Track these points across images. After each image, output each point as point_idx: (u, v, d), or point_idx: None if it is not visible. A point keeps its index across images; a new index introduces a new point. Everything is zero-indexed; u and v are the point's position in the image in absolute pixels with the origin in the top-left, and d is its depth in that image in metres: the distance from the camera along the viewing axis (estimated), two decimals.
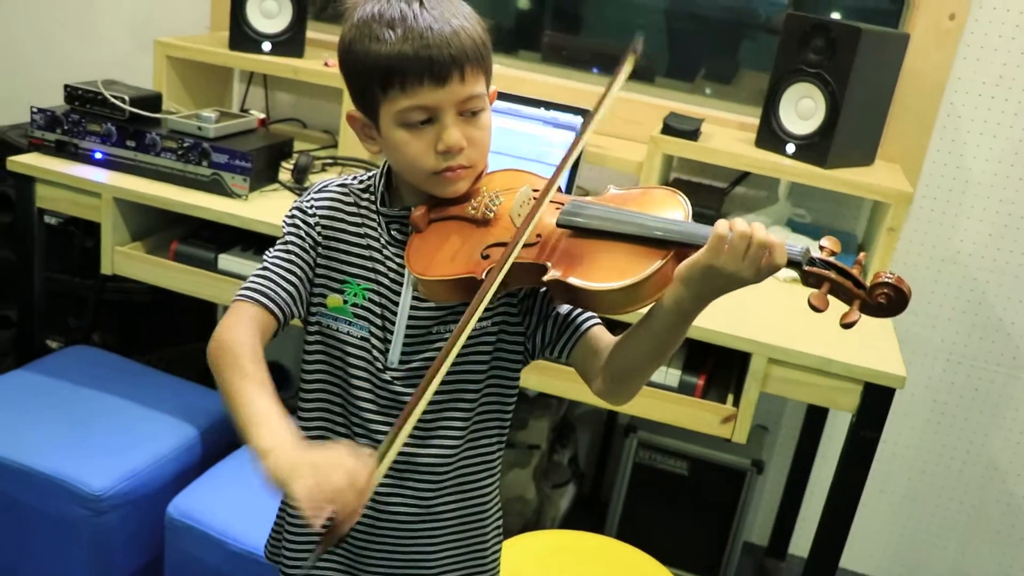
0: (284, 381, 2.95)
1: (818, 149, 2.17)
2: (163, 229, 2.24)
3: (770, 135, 2.24)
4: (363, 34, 1.16)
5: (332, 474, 0.96)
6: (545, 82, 2.66)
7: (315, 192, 1.30)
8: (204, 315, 2.91)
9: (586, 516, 2.72)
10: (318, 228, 1.26)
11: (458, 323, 1.14)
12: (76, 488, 1.90)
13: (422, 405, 1.07)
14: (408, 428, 1.06)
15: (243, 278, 2.03)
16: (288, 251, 1.25)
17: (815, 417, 2.60)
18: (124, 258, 2.15)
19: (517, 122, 2.28)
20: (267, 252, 1.26)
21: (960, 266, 2.47)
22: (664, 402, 1.90)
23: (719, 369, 2.02)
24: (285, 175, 2.25)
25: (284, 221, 1.28)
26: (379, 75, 1.15)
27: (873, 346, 1.84)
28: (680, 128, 2.25)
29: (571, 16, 3.04)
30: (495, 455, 1.35)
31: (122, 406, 2.15)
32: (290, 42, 2.46)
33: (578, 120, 2.28)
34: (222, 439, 2.21)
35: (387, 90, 1.15)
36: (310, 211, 1.27)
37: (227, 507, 1.91)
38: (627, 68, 1.28)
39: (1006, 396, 2.53)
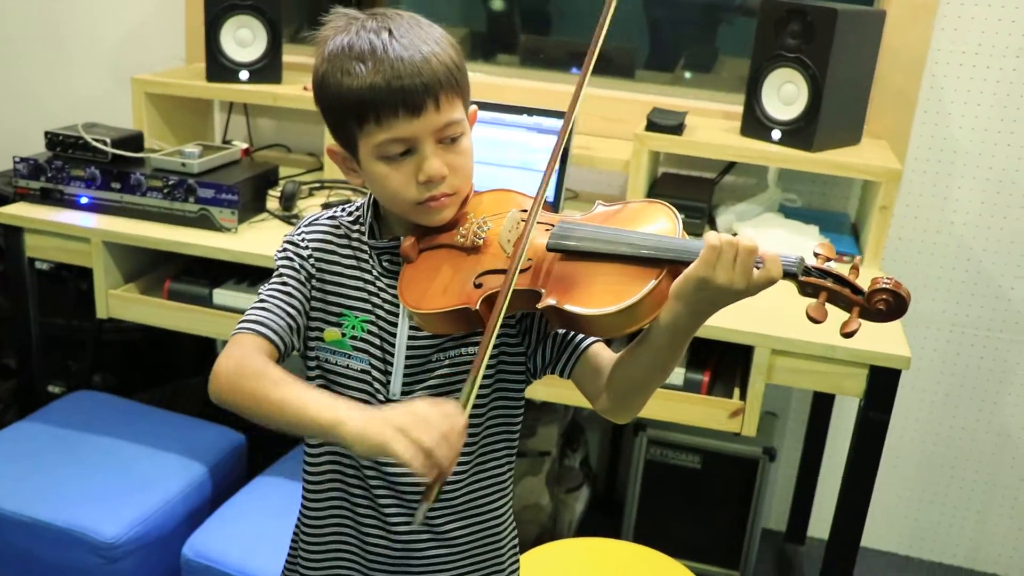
0: None
1: (804, 133, 2.16)
2: (155, 268, 2.23)
3: (755, 123, 2.24)
4: (335, 68, 1.15)
5: (427, 425, 0.98)
6: (525, 86, 2.66)
7: (305, 225, 1.29)
8: (203, 348, 2.90)
9: (602, 517, 2.71)
10: (311, 260, 1.25)
11: (457, 350, 1.14)
12: (89, 537, 1.90)
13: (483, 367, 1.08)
14: (480, 377, 1.07)
15: (240, 312, 2.04)
16: (284, 283, 1.23)
17: (823, 400, 2.59)
18: (119, 301, 2.14)
19: (501, 131, 2.27)
20: (262, 287, 1.25)
21: (955, 237, 2.47)
22: (671, 401, 1.90)
23: (723, 364, 2.01)
24: (273, 203, 2.24)
25: (276, 255, 1.27)
26: (353, 110, 1.14)
27: (876, 329, 1.81)
28: (664, 123, 2.24)
29: (544, 16, 3.03)
30: (505, 475, 1.34)
31: (128, 449, 2.15)
32: (267, 69, 2.45)
33: (560, 123, 2.27)
34: (232, 474, 2.20)
35: (363, 124, 1.14)
36: (302, 243, 1.26)
37: (243, 543, 1.90)
38: (610, 12, 1.24)
39: (1011, 362, 2.53)
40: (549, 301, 1.10)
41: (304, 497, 1.34)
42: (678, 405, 1.90)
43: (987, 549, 2.70)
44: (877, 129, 2.38)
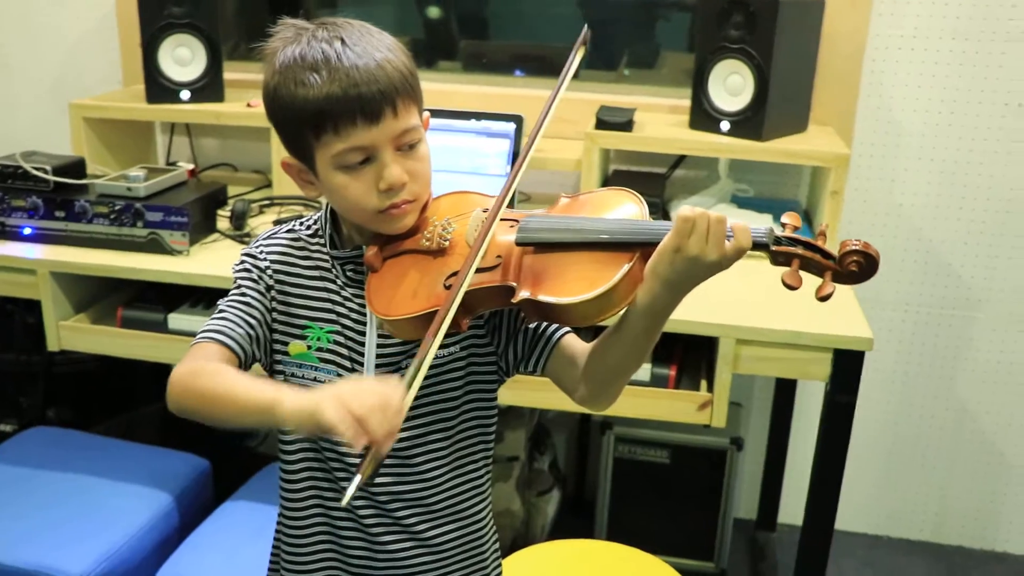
0: (251, 430, 2.89)
1: (752, 123, 2.18)
2: (106, 296, 2.18)
3: (703, 115, 2.25)
4: (287, 79, 1.14)
5: (361, 396, 0.96)
6: (471, 91, 2.65)
7: (263, 239, 1.28)
8: (159, 375, 2.82)
9: (574, 519, 2.71)
10: (269, 272, 1.24)
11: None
12: None
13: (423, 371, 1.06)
14: (427, 365, 1.05)
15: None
16: (243, 295, 1.22)
17: (786, 386, 2.62)
18: (70, 332, 2.08)
19: (450, 137, 2.25)
20: (220, 301, 1.24)
21: (905, 218, 2.50)
22: (638, 398, 1.90)
23: (688, 357, 2.01)
24: (223, 223, 2.20)
25: (234, 269, 1.26)
26: (310, 120, 1.13)
27: (837, 313, 1.85)
28: (613, 121, 2.25)
29: (481, 20, 3.02)
30: (483, 477, 1.33)
31: (90, 483, 2.09)
32: (208, 87, 2.41)
33: (510, 126, 2.27)
34: (198, 501, 2.16)
35: (320, 135, 1.13)
36: (260, 256, 1.25)
37: (216, 571, 1.86)
38: (577, 60, 1.26)
39: (965, 338, 2.57)
40: (523, 294, 1.10)
41: (282, 514, 1.33)
42: (646, 401, 1.90)
43: (951, 522, 2.74)
44: (822, 116, 2.41)
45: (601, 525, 2.54)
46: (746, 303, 1.86)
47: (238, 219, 2.19)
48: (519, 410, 2.55)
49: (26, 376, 2.60)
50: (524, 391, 1.92)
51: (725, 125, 2.22)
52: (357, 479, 0.97)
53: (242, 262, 1.25)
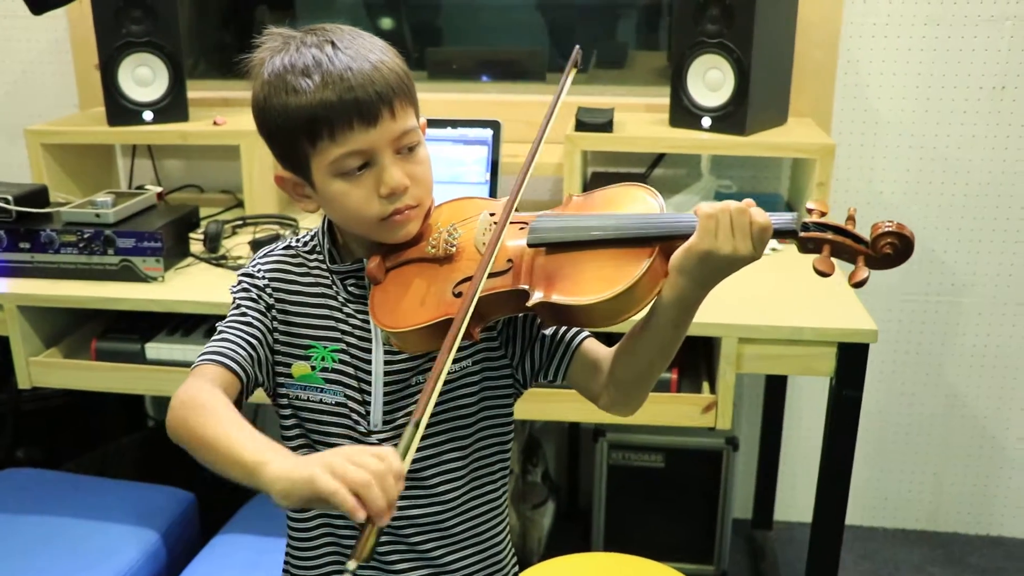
0: None
1: (734, 118, 2.14)
2: (78, 329, 2.08)
3: (683, 112, 2.21)
4: (278, 88, 1.09)
5: (358, 461, 0.88)
6: (438, 99, 2.59)
7: (260, 257, 1.23)
8: (131, 406, 2.75)
9: (570, 529, 2.66)
10: (268, 291, 1.18)
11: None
12: None
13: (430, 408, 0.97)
14: (422, 427, 0.96)
15: (176, 365, 1.93)
16: (243, 314, 1.17)
17: (776, 382, 2.59)
18: (41, 368, 1.98)
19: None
20: (219, 323, 1.18)
21: (885, 207, 2.49)
22: None
23: (688, 359, 1.97)
24: (197, 247, 2.12)
25: (232, 290, 1.20)
26: (304, 128, 1.08)
27: (838, 304, 1.82)
28: (593, 122, 2.21)
29: (434, 28, 2.96)
30: (501, 495, 1.29)
31: (70, 525, 1.99)
32: (172, 107, 2.32)
33: (487, 132, 2.22)
34: (185, 536, 2.07)
35: (315, 142, 1.08)
36: (258, 275, 1.20)
37: None
38: (570, 77, 1.22)
39: (952, 323, 2.56)
40: (538, 296, 1.05)
41: (290, 544, 1.27)
42: (649, 406, 1.78)
43: (946, 509, 2.73)
44: (801, 107, 2.38)
45: (598, 534, 2.49)
46: (746, 300, 1.82)
47: (212, 241, 2.11)
48: None
49: None
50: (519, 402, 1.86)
51: (707, 121, 2.18)
52: (351, 563, 0.86)
53: (240, 282, 1.20)
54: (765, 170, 2.49)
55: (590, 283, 1.04)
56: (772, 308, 1.80)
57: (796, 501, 2.72)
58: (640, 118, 2.37)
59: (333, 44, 1.09)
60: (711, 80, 2.17)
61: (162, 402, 2.79)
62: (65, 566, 1.87)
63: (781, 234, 1.02)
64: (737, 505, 2.76)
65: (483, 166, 2.22)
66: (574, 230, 1.09)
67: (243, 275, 1.21)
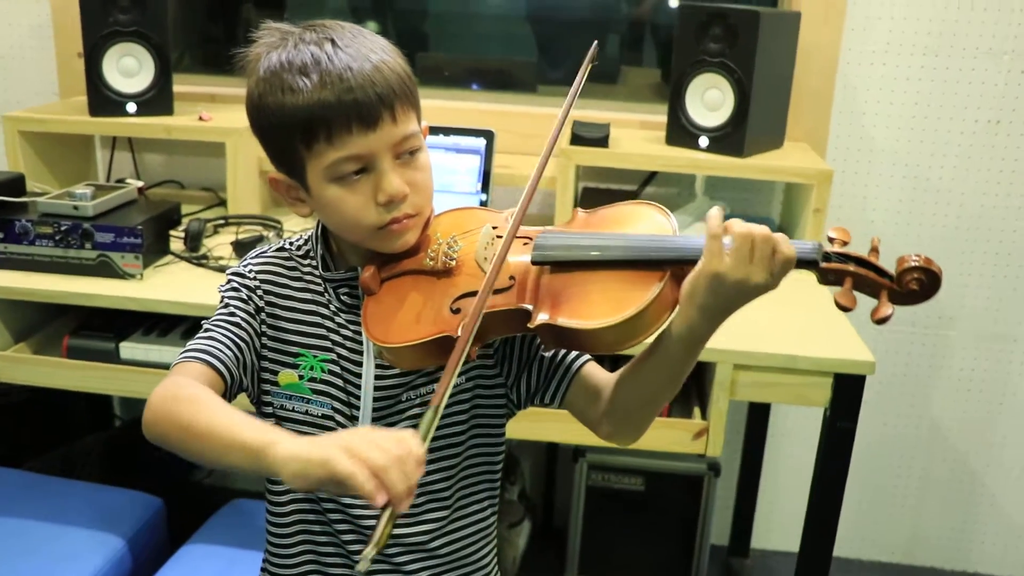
0: None
1: (733, 139, 2.12)
2: (49, 324, 2.01)
3: (680, 131, 2.18)
4: (273, 87, 1.04)
5: (378, 446, 0.83)
6: (427, 106, 2.53)
7: (252, 257, 1.18)
8: (97, 405, 2.67)
9: (545, 549, 2.61)
10: (259, 292, 1.14)
11: (429, 387, 1.08)
12: None
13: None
14: (442, 406, 0.92)
15: (151, 366, 1.87)
16: (232, 314, 1.12)
17: (759, 409, 2.56)
18: (9, 363, 1.91)
19: None
20: (205, 320, 1.13)
21: (876, 235, 2.44)
22: None
23: None
24: (177, 245, 2.06)
25: (220, 289, 1.15)
26: (300, 129, 1.03)
27: (835, 335, 1.79)
28: (589, 136, 2.17)
29: (422, 35, 2.92)
30: (489, 519, 1.24)
31: (31, 528, 1.91)
32: (156, 100, 2.25)
33: (480, 141, 2.18)
34: (151, 544, 2.00)
35: (311, 144, 1.03)
36: (249, 275, 1.15)
37: None
38: (585, 75, 1.17)
39: (939, 356, 2.55)
40: (541, 318, 0.99)
41: (267, 559, 1.22)
42: None
43: (923, 543, 2.71)
44: (797, 132, 2.36)
45: (573, 556, 2.43)
46: (743, 325, 1.78)
47: (193, 240, 2.04)
48: None
49: None
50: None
51: (704, 141, 2.15)
52: (370, 550, 0.82)
53: (229, 281, 1.15)
54: (758, 193, 2.46)
55: (596, 306, 0.99)
56: (768, 335, 1.77)
57: (774, 529, 2.69)
58: (635, 134, 2.33)
59: (333, 42, 1.04)
60: (710, 100, 2.14)
61: (131, 401, 2.71)
62: (23, 571, 1.79)
63: (801, 264, 0.97)
64: (714, 532, 2.73)
65: (475, 176, 2.17)
66: (581, 249, 1.04)
67: (233, 274, 1.16)
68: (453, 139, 2.19)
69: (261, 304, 1.13)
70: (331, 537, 1.17)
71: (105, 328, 1.95)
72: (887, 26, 2.33)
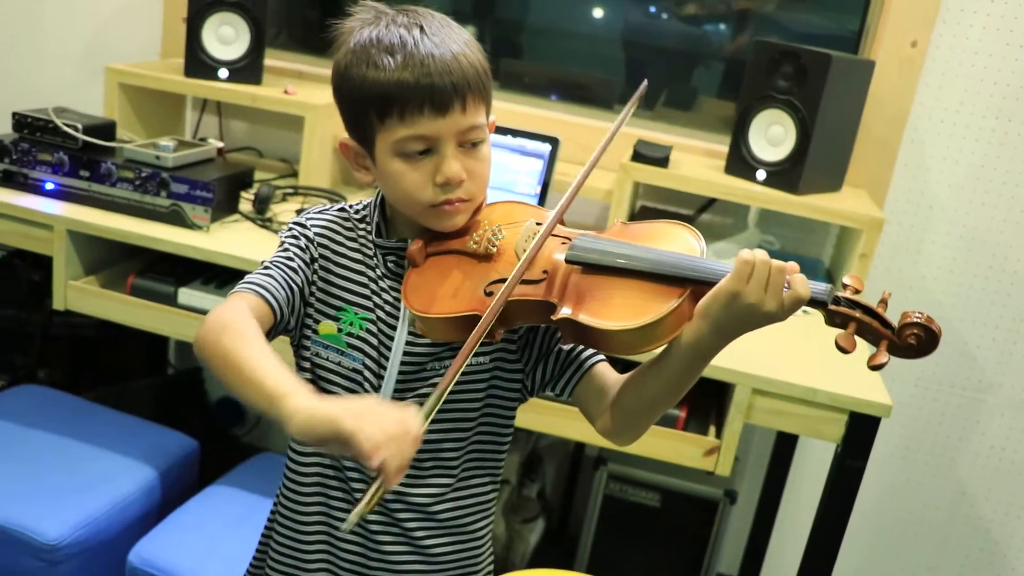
0: (240, 417, 2.85)
1: (790, 175, 2.16)
2: (118, 262, 2.14)
3: (740, 162, 2.23)
4: (360, 60, 1.12)
5: (381, 420, 0.92)
6: (504, 109, 2.63)
7: (314, 212, 1.27)
8: (155, 349, 2.81)
9: (555, 551, 2.66)
10: (316, 243, 1.22)
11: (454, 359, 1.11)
12: (29, 538, 1.80)
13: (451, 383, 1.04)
14: (446, 391, 1.02)
15: (205, 312, 1.97)
16: (290, 258, 1.20)
17: (784, 444, 2.58)
18: (78, 293, 2.05)
19: None
20: (264, 261, 1.21)
21: (925, 291, 2.48)
22: (646, 435, 1.85)
23: (700, 400, 1.98)
24: (246, 206, 2.18)
25: (282, 234, 1.25)
26: (377, 103, 1.11)
27: (856, 374, 1.82)
28: (650, 155, 2.23)
29: (518, 44, 3.01)
30: (489, 496, 1.31)
31: (75, 448, 2.05)
32: (247, 69, 2.38)
33: (545, 147, 2.25)
34: (183, 481, 2.11)
35: (384, 119, 1.12)
36: (310, 226, 1.23)
37: (192, 553, 1.82)
38: (633, 108, 1.26)
39: (972, 420, 2.54)
40: (565, 312, 1.07)
41: (281, 498, 1.30)
42: (652, 440, 1.86)
43: None
44: (857, 178, 2.39)
45: (582, 561, 2.49)
46: (767, 352, 1.83)
47: (261, 203, 2.16)
48: (516, 434, 2.51)
49: (23, 335, 2.56)
50: (521, 411, 1.87)
51: (761, 174, 2.20)
52: (360, 508, 0.92)
53: (291, 229, 1.24)
54: (812, 234, 2.49)
55: (617, 310, 1.06)
56: (791, 365, 1.81)
57: (785, 565, 2.70)
58: (697, 161, 2.39)
59: (421, 28, 1.13)
60: (773, 135, 2.19)
61: (185, 353, 2.85)
62: (61, 484, 1.92)
63: (812, 303, 1.03)
64: (725, 560, 2.75)
65: (535, 179, 2.25)
66: (613, 256, 1.10)
67: (295, 223, 1.24)
68: (520, 141, 2.26)
69: (316, 255, 1.21)
70: (345, 494, 1.24)
71: (168, 273, 2.07)
72: (963, 85, 2.35)
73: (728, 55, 2.80)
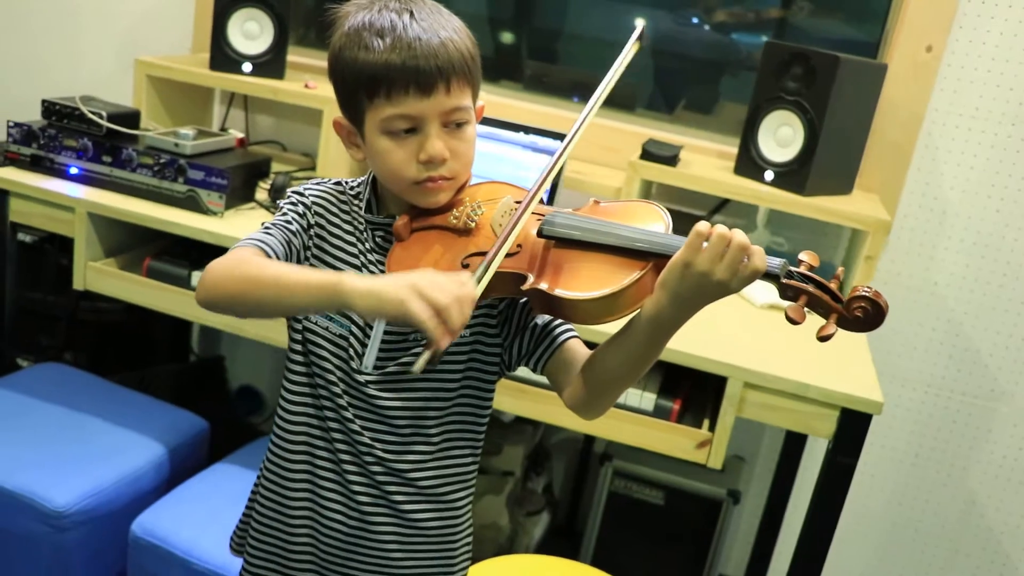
0: (259, 406, 2.92)
1: (797, 177, 2.17)
2: (137, 246, 2.22)
3: (749, 162, 2.25)
4: (353, 42, 1.18)
5: (440, 287, 1.00)
6: (527, 108, 2.67)
7: (312, 183, 1.32)
8: (179, 335, 2.88)
9: (560, 545, 2.68)
10: (313, 210, 1.27)
11: None
12: (38, 504, 1.87)
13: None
14: (500, 258, 1.11)
15: None
16: (289, 223, 1.25)
17: (793, 447, 2.58)
18: (97, 274, 2.12)
19: (496, 145, 2.28)
20: (264, 222, 1.26)
21: (937, 297, 2.47)
22: (639, 426, 1.88)
23: (695, 394, 2.00)
24: (262, 195, 2.24)
25: (280, 203, 1.30)
26: (365, 82, 1.17)
27: (850, 371, 1.83)
28: (659, 154, 2.25)
29: (550, 50, 3.05)
30: (469, 469, 1.34)
31: (89, 423, 2.12)
32: (271, 64, 2.45)
33: (558, 144, 2.28)
34: (191, 458, 2.17)
35: (372, 98, 1.17)
36: (307, 195, 1.29)
37: (192, 526, 1.88)
38: (631, 52, 1.30)
39: (983, 428, 2.53)
40: (533, 283, 1.12)
41: (267, 463, 1.34)
42: (646, 430, 1.88)
43: None
44: (870, 182, 2.39)
45: (586, 555, 2.51)
46: (760, 347, 1.85)
47: (276, 192, 2.22)
48: (522, 426, 2.54)
49: (50, 317, 2.64)
50: (530, 402, 1.91)
51: (769, 175, 2.21)
52: (426, 354, 1.01)
53: (289, 197, 1.29)
54: (823, 237, 2.50)
55: (583, 281, 1.11)
56: (785, 360, 1.82)
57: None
58: (709, 161, 2.41)
59: (411, 13, 1.18)
60: (782, 136, 2.20)
61: (207, 340, 2.92)
62: (72, 455, 1.99)
63: (766, 276, 1.07)
64: (732, 562, 2.76)
65: (553, 157, 2.28)
66: (582, 230, 1.16)
67: (294, 191, 1.30)
68: (531, 138, 2.30)
69: (312, 222, 1.27)
70: (330, 454, 1.28)
71: (183, 256, 2.14)
72: (978, 91, 2.35)
73: (754, 63, 2.81)
